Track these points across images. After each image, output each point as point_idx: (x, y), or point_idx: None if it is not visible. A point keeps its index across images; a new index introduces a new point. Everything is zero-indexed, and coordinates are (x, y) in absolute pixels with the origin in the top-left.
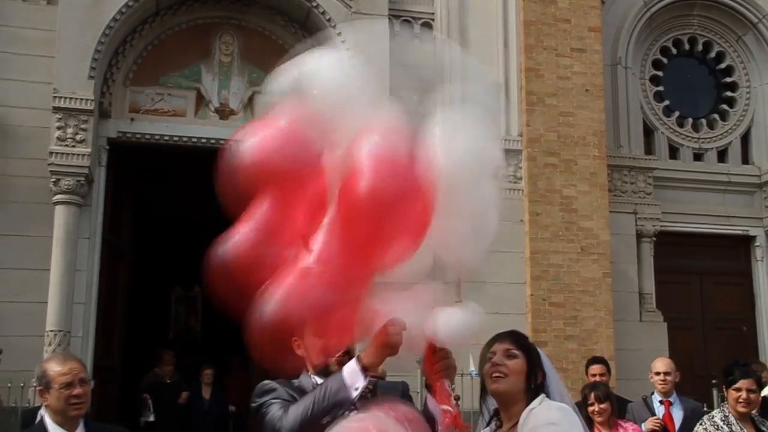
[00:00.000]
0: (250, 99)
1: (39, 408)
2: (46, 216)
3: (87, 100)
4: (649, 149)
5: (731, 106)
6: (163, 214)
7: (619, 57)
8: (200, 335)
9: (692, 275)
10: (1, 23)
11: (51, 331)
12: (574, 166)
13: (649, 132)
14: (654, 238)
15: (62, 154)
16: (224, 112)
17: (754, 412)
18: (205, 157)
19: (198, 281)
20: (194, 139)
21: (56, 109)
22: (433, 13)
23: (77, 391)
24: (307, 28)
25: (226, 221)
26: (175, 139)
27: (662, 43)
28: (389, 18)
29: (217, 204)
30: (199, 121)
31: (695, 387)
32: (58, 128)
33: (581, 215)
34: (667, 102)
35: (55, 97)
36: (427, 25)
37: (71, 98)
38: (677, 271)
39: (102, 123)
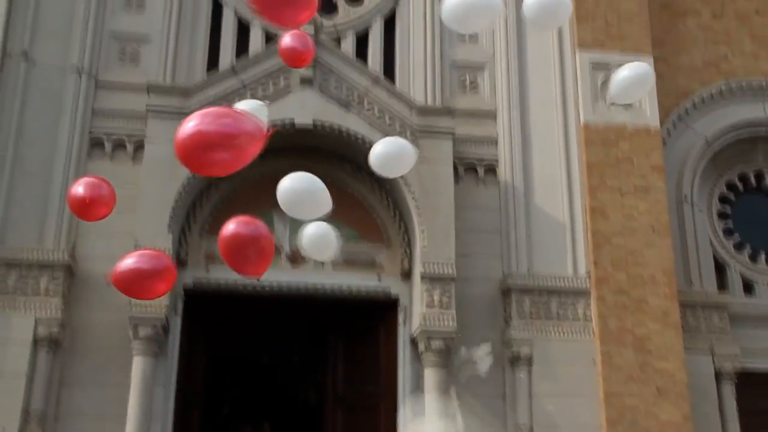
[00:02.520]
0: None
1: None
2: (124, 365)
3: (165, 250)
4: (722, 285)
5: None
6: (235, 356)
7: (684, 194)
8: None
9: None
10: None
11: None
12: (645, 306)
13: (720, 268)
14: (735, 379)
15: (141, 304)
16: (295, 259)
17: None
18: (277, 303)
19: (267, 419)
20: (266, 286)
21: None
22: (497, 157)
23: None
24: (375, 175)
25: (297, 364)
26: (248, 285)
27: (727, 178)
28: (454, 163)
29: (289, 347)
30: (271, 268)
31: None
32: None
33: (656, 356)
34: (737, 237)
35: (135, 247)
36: (492, 169)
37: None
38: (763, 413)
39: (179, 272)
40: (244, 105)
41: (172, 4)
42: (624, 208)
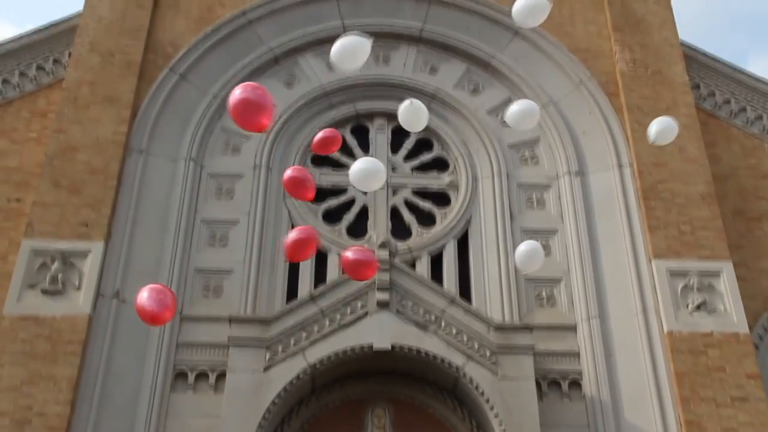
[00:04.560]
0: None
1: None
2: None
3: None
4: None
5: None
6: None
7: None
8: None
9: None
10: (175, 415)
11: None
12: None
13: None
14: None
15: None
16: None
17: None
18: None
19: None
20: None
21: None
22: (580, 371)
23: None
24: (456, 396)
25: None
26: None
27: None
28: (536, 379)
29: None
30: None
31: None
32: None
33: None
34: None
35: None
36: (576, 383)
37: None
38: None
39: None
40: (348, 39)
41: (254, 238)
42: (722, 420)
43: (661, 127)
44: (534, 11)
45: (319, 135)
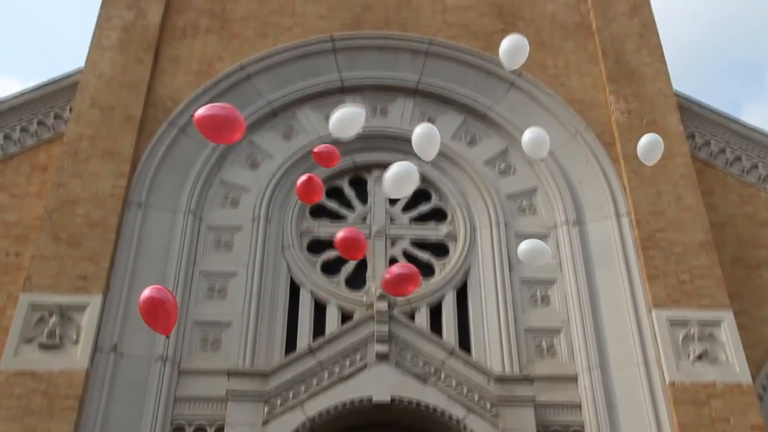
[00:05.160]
0: None
1: None
2: None
3: None
4: None
5: None
6: None
7: None
8: None
9: None
10: None
11: None
12: None
13: None
14: None
15: None
16: None
17: None
18: None
19: None
20: None
21: None
22: (582, 423)
23: None
24: None
25: None
26: None
27: None
28: (538, 431)
29: None
30: None
31: None
32: None
33: None
34: None
35: None
36: None
37: None
38: None
39: None
40: (344, 111)
41: (253, 289)
42: None
43: (646, 142)
44: (515, 54)
45: (320, 147)
